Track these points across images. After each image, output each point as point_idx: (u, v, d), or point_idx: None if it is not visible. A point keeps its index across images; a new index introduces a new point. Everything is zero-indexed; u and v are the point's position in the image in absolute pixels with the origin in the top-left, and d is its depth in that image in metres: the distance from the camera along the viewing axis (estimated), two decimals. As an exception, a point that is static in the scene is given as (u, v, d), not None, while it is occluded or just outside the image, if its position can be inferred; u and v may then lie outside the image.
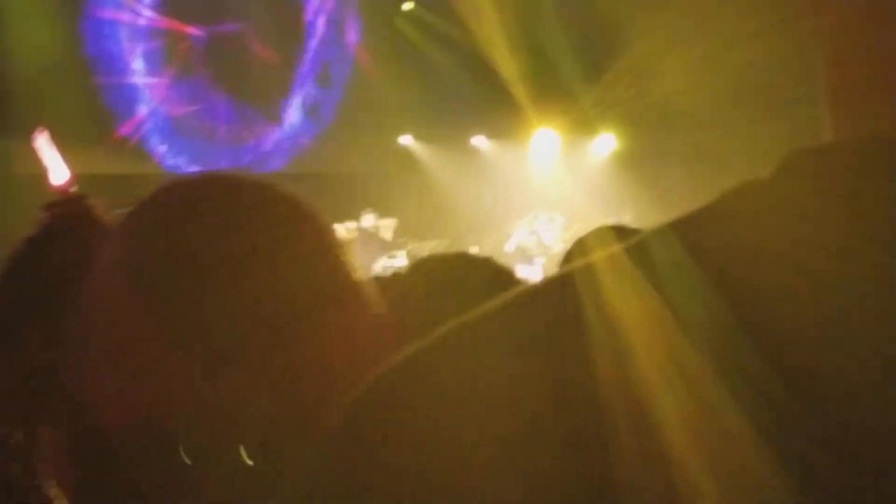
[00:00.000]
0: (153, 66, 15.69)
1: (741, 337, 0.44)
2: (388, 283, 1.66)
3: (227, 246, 0.85)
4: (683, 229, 0.50)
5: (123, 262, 0.85)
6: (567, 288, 0.50)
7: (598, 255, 0.50)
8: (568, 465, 0.44)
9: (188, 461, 0.81)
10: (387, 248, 14.10)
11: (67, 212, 0.94)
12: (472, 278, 1.45)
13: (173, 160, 15.69)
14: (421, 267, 1.61)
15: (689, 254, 0.48)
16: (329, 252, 0.91)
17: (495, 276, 1.53)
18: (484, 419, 0.46)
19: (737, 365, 0.44)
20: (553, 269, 2.14)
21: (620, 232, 1.94)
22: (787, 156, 0.53)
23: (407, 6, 16.20)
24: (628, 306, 0.47)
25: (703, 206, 0.53)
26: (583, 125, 15.36)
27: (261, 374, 0.82)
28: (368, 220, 14.09)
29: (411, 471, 0.46)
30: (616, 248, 0.51)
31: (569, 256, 1.91)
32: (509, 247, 14.55)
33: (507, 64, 13.93)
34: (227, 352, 0.82)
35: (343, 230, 13.97)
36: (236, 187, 0.92)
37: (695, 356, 0.45)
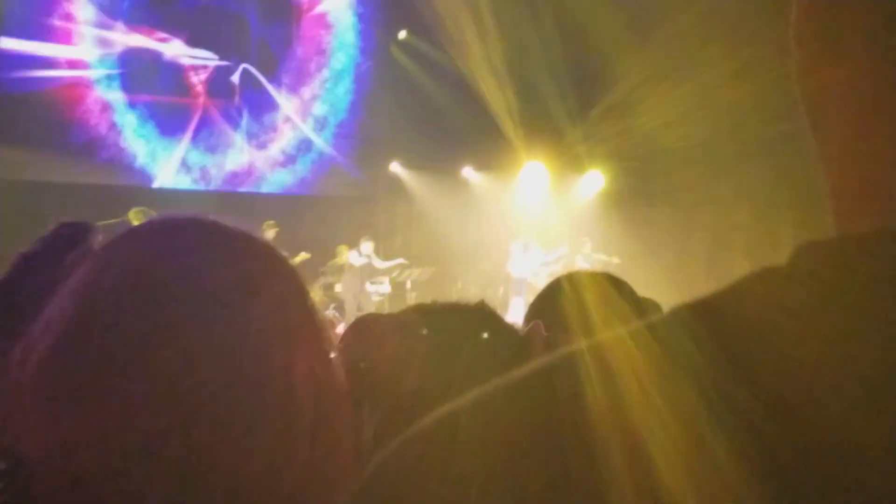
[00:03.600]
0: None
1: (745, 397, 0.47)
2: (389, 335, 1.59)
3: (195, 289, 0.83)
4: (701, 315, 0.52)
5: (79, 293, 0.83)
6: (572, 382, 0.52)
7: (610, 343, 0.53)
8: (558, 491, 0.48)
9: None
10: (373, 273, 14.18)
11: (67, 233, 0.95)
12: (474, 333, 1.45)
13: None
14: (421, 319, 1.53)
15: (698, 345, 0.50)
16: (300, 300, 0.90)
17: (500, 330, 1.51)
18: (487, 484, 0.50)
19: (730, 409, 0.47)
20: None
21: (613, 282, 1.93)
22: (798, 248, 0.54)
23: (402, 34, 16.43)
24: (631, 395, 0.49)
25: (719, 292, 0.54)
26: (571, 161, 15.45)
27: (229, 425, 0.80)
28: (367, 247, 14.15)
29: None
30: (628, 333, 0.53)
31: (554, 290, 1.91)
32: (515, 272, 14.43)
33: (497, 97, 14.10)
34: (167, 393, 0.79)
35: (356, 256, 14.05)
36: (215, 231, 0.90)
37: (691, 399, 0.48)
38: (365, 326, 1.59)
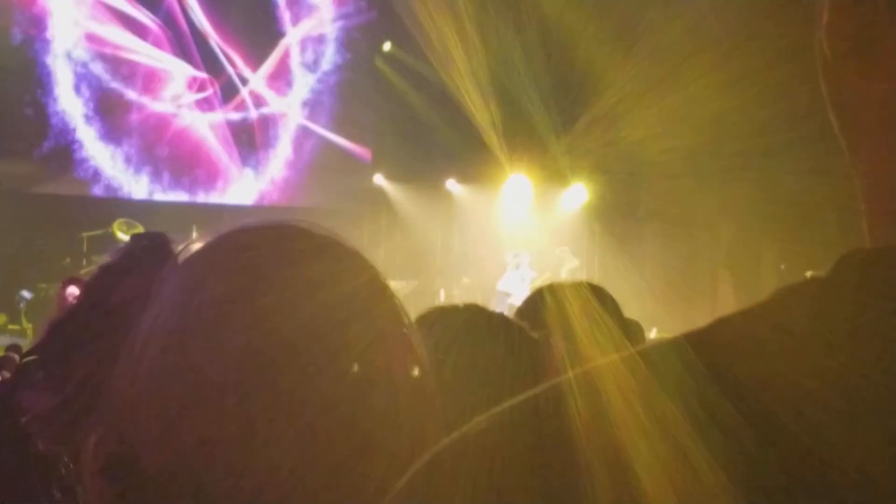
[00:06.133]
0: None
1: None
2: None
3: (289, 296, 0.84)
4: (698, 338, 0.53)
5: (176, 303, 0.85)
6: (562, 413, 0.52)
7: (604, 371, 0.53)
8: None
9: None
10: None
11: (146, 244, 0.95)
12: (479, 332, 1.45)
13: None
14: (425, 320, 1.53)
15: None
16: (389, 303, 0.91)
17: (503, 329, 1.49)
18: None
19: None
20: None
21: (596, 292, 1.95)
22: (841, 262, 0.52)
23: (387, 46, 16.42)
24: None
25: (723, 321, 0.54)
26: (555, 174, 15.46)
27: (315, 427, 0.81)
28: None
29: None
30: (623, 363, 0.53)
31: (536, 301, 1.94)
32: (502, 286, 14.37)
33: (481, 110, 14.09)
34: (278, 405, 0.80)
35: None
36: (303, 236, 0.92)
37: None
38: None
